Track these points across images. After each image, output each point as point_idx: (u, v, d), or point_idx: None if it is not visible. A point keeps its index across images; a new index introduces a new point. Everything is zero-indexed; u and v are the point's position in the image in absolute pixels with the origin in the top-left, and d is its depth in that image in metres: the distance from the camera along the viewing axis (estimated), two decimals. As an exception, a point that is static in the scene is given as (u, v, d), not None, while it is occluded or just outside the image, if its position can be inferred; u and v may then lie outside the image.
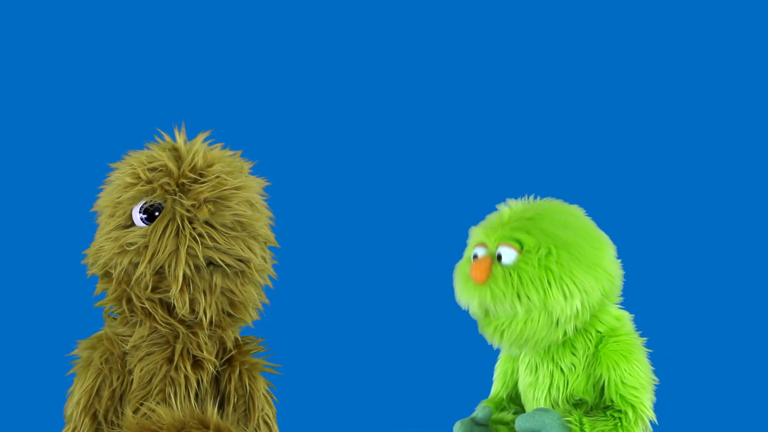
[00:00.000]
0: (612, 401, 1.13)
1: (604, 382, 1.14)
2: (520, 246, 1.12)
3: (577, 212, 1.18)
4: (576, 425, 1.11)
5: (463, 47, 1.88)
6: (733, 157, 1.83)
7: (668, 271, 1.76)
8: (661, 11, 1.86)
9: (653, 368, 1.16)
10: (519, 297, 1.11)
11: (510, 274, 1.11)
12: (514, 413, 1.22)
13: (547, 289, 1.10)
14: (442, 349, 1.65)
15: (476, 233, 1.17)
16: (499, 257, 1.13)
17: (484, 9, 1.88)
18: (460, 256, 1.20)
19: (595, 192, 1.76)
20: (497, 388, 1.23)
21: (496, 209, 1.19)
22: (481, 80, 1.87)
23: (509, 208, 1.17)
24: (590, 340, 1.15)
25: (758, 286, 1.77)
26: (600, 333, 1.15)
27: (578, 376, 1.15)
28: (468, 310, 1.17)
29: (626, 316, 1.18)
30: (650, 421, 1.14)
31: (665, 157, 1.83)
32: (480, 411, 1.18)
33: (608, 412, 1.13)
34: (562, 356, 1.15)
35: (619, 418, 1.12)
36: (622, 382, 1.13)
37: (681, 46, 1.85)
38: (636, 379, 1.14)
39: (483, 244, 1.15)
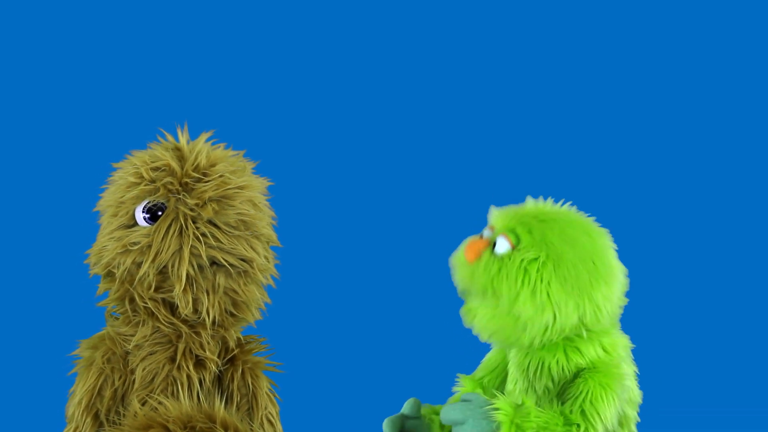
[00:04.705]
0: (572, 411, 1.08)
1: (571, 395, 1.10)
2: (517, 241, 1.11)
3: (595, 235, 1.13)
4: (504, 414, 1.05)
5: (466, 46, 1.88)
6: (732, 159, 1.83)
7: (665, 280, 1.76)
8: (662, 12, 1.87)
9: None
10: (491, 286, 1.10)
11: (492, 263, 1.10)
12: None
13: (519, 291, 1.09)
14: (444, 347, 1.65)
15: (493, 215, 1.16)
16: (494, 245, 1.12)
17: (487, 10, 1.89)
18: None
19: (596, 194, 1.77)
20: (478, 371, 1.22)
21: (524, 200, 1.17)
22: (484, 78, 1.87)
23: (534, 204, 1.15)
24: (569, 372, 1.12)
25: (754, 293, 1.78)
26: (580, 366, 1.12)
27: (552, 399, 1.12)
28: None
29: (619, 345, 1.14)
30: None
31: (669, 161, 1.84)
32: (406, 406, 1.17)
33: (561, 412, 1.08)
34: (539, 377, 1.13)
35: (568, 425, 1.08)
36: (591, 402, 1.08)
37: (689, 51, 1.86)
38: (604, 407, 1.08)
39: (492, 228, 1.14)
